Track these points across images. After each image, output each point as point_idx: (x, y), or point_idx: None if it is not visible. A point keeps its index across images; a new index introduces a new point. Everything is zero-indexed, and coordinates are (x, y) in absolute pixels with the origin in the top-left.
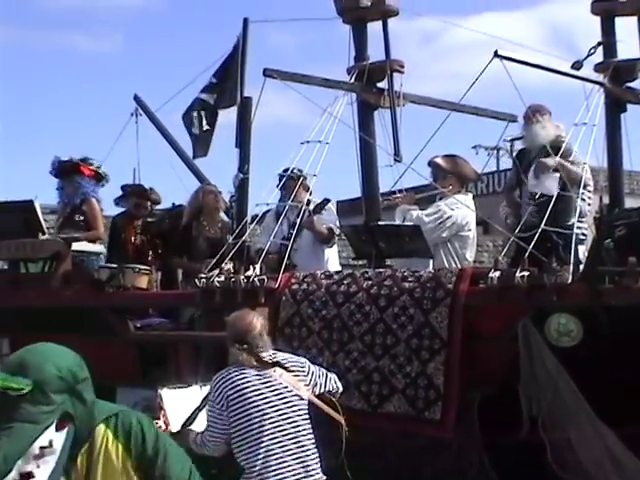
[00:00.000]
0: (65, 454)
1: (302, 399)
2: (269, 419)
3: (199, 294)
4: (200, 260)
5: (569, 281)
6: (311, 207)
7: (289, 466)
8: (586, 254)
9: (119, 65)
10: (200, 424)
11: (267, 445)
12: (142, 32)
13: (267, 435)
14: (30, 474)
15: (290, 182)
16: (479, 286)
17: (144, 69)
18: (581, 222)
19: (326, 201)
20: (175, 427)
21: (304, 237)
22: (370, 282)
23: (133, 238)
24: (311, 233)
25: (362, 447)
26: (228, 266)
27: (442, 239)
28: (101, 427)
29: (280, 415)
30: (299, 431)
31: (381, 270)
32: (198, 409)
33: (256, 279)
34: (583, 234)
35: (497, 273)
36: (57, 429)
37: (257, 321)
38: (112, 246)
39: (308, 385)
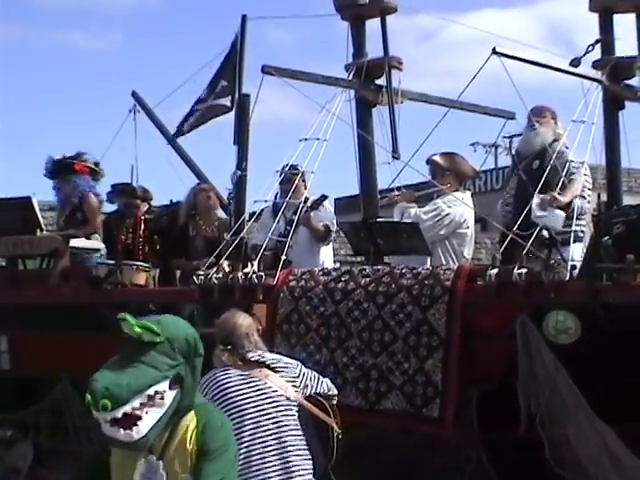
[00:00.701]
0: (168, 415)
1: (289, 399)
2: (250, 418)
3: (197, 291)
4: (198, 259)
5: (567, 278)
6: (308, 204)
7: (271, 464)
8: (584, 252)
9: (117, 62)
10: None
11: (248, 443)
12: (140, 29)
13: (248, 433)
14: (138, 417)
15: (289, 178)
16: (477, 283)
17: (142, 66)
18: (580, 220)
19: (323, 197)
20: None
21: (300, 234)
22: (368, 279)
23: (124, 237)
24: (307, 231)
25: (360, 444)
26: (226, 264)
27: (440, 236)
28: (192, 413)
29: (262, 415)
30: (283, 430)
31: (379, 267)
32: None
33: (254, 276)
34: (582, 232)
35: (495, 270)
36: (170, 386)
37: (243, 321)
38: (106, 244)
39: (298, 387)
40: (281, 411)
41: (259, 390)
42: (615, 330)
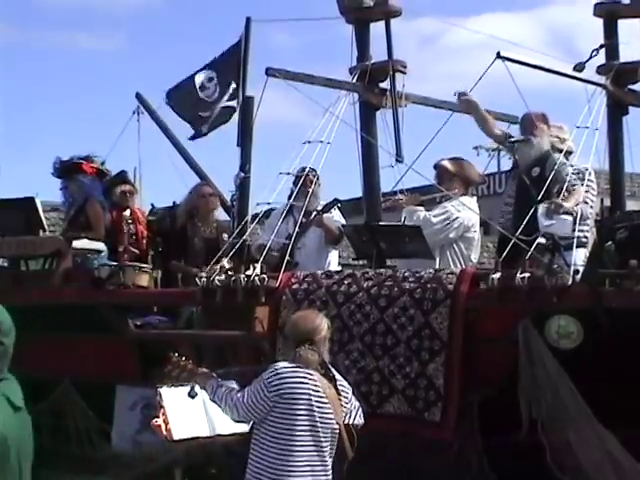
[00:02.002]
0: None
1: (336, 423)
2: (307, 432)
3: (199, 293)
4: (197, 260)
5: (570, 283)
6: (319, 207)
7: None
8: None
9: (121, 64)
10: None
11: (298, 454)
12: (144, 31)
13: (300, 446)
14: None
15: (307, 181)
16: (480, 287)
17: (146, 68)
18: (583, 225)
19: (336, 201)
20: (175, 426)
21: (309, 236)
22: (370, 282)
23: (126, 228)
24: (317, 233)
25: (361, 447)
26: (228, 265)
27: (449, 240)
28: None
29: (316, 431)
30: (324, 450)
31: (381, 270)
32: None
33: (256, 278)
34: (585, 237)
35: (498, 275)
36: None
37: (325, 325)
38: (107, 242)
39: (344, 412)
40: (329, 436)
41: (323, 407)
42: (617, 335)
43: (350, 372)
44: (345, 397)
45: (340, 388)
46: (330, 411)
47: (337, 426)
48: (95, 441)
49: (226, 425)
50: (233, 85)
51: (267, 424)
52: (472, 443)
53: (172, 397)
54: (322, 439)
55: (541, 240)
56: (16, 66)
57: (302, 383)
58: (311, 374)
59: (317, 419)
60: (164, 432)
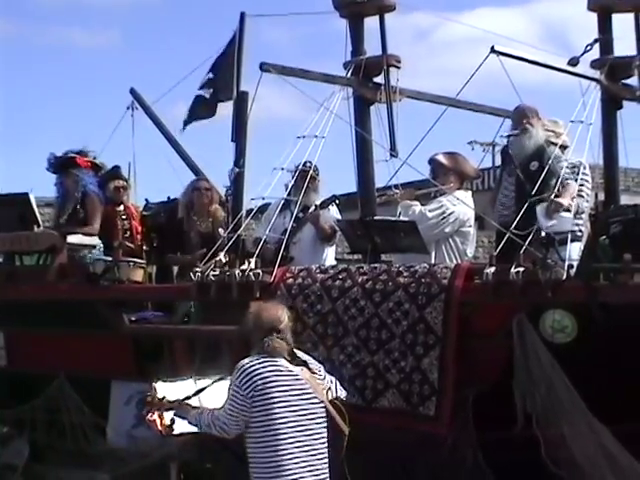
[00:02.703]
0: None
1: (320, 402)
2: (292, 417)
3: (194, 288)
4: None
5: (564, 278)
6: (316, 202)
7: (303, 465)
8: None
9: (116, 59)
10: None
11: (285, 444)
12: (139, 26)
13: (287, 434)
14: None
15: (304, 176)
16: (474, 282)
17: (140, 63)
18: (578, 219)
19: (334, 197)
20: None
21: (305, 231)
22: (365, 277)
23: (120, 224)
24: (313, 229)
25: (356, 442)
26: (223, 260)
27: (445, 234)
28: None
29: (301, 415)
30: (315, 438)
31: (376, 265)
32: (192, 396)
33: (251, 273)
34: (580, 231)
35: (492, 269)
36: None
37: (285, 314)
38: (102, 237)
39: (324, 389)
40: (315, 413)
41: (301, 390)
42: (612, 329)
43: (345, 366)
44: (319, 376)
45: (312, 367)
46: (309, 391)
47: (322, 404)
48: (90, 436)
49: None
50: (210, 75)
51: (252, 422)
52: (467, 437)
53: (167, 392)
54: (309, 420)
55: (542, 233)
56: (9, 61)
57: (272, 372)
58: (277, 361)
59: (297, 403)
60: (159, 427)
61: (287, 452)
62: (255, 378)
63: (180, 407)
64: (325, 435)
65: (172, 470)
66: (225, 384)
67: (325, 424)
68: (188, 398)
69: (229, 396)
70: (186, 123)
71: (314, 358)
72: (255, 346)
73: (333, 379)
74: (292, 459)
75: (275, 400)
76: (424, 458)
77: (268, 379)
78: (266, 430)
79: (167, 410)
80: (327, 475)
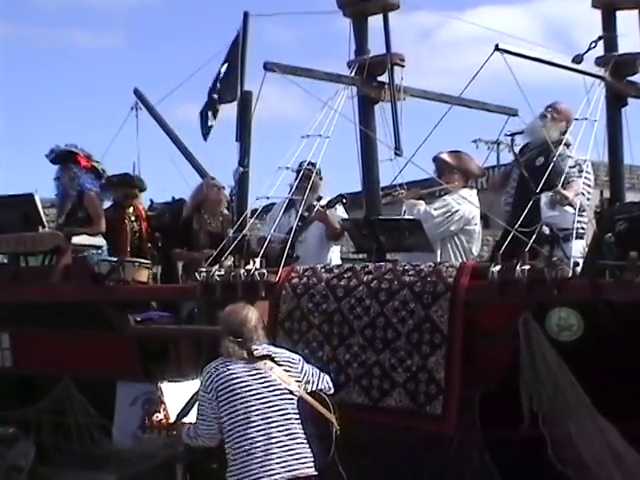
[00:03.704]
0: None
1: (292, 393)
2: (255, 410)
3: (199, 288)
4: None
5: (570, 275)
6: (323, 202)
7: (276, 456)
8: (586, 249)
9: (119, 60)
10: (193, 417)
11: (252, 436)
12: (142, 27)
13: (253, 427)
14: None
15: (308, 175)
16: (480, 280)
17: (144, 64)
18: (581, 216)
19: (341, 197)
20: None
21: (311, 230)
22: (370, 276)
23: (129, 227)
24: (319, 227)
25: (362, 441)
26: (228, 262)
27: (450, 233)
28: None
29: (268, 407)
30: (290, 422)
31: (381, 264)
32: (190, 402)
33: (256, 273)
34: (582, 228)
35: (497, 267)
36: None
37: (252, 314)
38: (108, 239)
39: (300, 382)
40: (286, 403)
41: (265, 382)
42: (618, 327)
43: (351, 366)
44: (294, 368)
45: (279, 360)
46: (274, 384)
47: (291, 395)
48: (96, 437)
49: None
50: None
51: (222, 422)
52: (473, 436)
53: (172, 392)
54: (272, 413)
55: (545, 229)
56: (13, 63)
57: (232, 370)
58: (237, 362)
59: (256, 398)
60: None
61: (251, 446)
62: (216, 378)
63: (176, 428)
64: (292, 424)
65: (178, 470)
66: None
67: (297, 413)
68: (189, 406)
69: (198, 403)
70: (206, 134)
71: (319, 358)
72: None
73: (316, 372)
74: (263, 450)
75: (236, 398)
76: (430, 457)
77: (227, 378)
78: (233, 427)
79: (167, 431)
80: (311, 459)
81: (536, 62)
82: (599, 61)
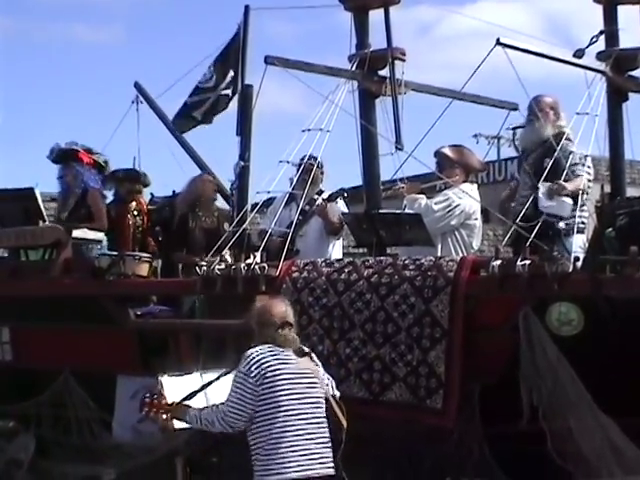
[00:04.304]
0: None
1: (323, 391)
2: (297, 403)
3: (200, 282)
4: (198, 250)
5: (570, 270)
6: (324, 196)
7: (313, 452)
8: (586, 243)
9: (120, 54)
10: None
11: (290, 435)
12: (143, 21)
13: (292, 423)
14: None
15: (309, 169)
16: (480, 275)
17: (145, 57)
18: (581, 211)
19: (342, 191)
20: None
21: (312, 224)
22: (371, 270)
23: (132, 222)
24: (320, 221)
25: (363, 435)
26: (228, 256)
27: (451, 227)
28: None
29: (308, 403)
30: (324, 421)
31: (382, 258)
32: (198, 391)
33: (256, 267)
34: (583, 223)
35: (498, 262)
36: None
37: (291, 310)
38: (109, 234)
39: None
40: (321, 401)
41: (307, 378)
42: (618, 322)
43: (351, 360)
44: (320, 369)
45: (314, 360)
46: (314, 382)
47: (323, 395)
48: (96, 431)
49: None
50: (231, 73)
51: (258, 412)
52: (473, 430)
53: (173, 386)
54: (313, 409)
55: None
56: (12, 57)
57: (278, 361)
58: (284, 351)
59: (302, 391)
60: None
61: (291, 443)
62: (264, 366)
63: (177, 409)
64: (325, 423)
65: (178, 464)
66: (230, 378)
67: (325, 417)
68: (194, 394)
69: (235, 386)
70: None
71: (319, 353)
72: (261, 339)
73: (330, 378)
74: (296, 449)
75: (281, 389)
76: (430, 451)
77: (275, 367)
78: (272, 420)
79: (166, 412)
80: (331, 461)
81: (537, 57)
82: (600, 56)
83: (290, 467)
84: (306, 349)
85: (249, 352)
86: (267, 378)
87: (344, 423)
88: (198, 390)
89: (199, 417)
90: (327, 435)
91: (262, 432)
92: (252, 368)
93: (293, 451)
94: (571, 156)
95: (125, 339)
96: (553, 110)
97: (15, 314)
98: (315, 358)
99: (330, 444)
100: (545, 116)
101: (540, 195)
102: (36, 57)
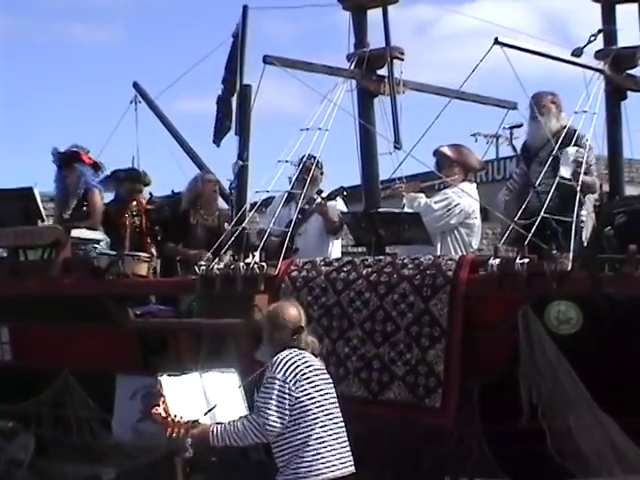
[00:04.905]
0: None
1: (335, 390)
2: (325, 404)
3: (199, 281)
4: (197, 247)
5: (569, 269)
6: (324, 195)
7: (335, 452)
8: (585, 241)
9: (119, 54)
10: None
11: (320, 434)
12: (142, 21)
13: (323, 424)
14: None
15: (308, 168)
16: (479, 273)
17: (144, 57)
18: (580, 209)
19: (342, 189)
20: (175, 413)
21: (312, 223)
22: (370, 269)
23: (129, 222)
24: (319, 220)
25: (362, 434)
26: (227, 256)
27: (450, 226)
28: None
29: (331, 403)
30: (342, 422)
31: (381, 257)
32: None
33: (255, 266)
34: (582, 221)
35: (497, 260)
36: None
37: (302, 314)
38: (108, 234)
39: None
40: (338, 405)
41: (326, 379)
42: (617, 320)
43: (350, 359)
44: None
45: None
46: (330, 384)
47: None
48: (96, 431)
49: (226, 413)
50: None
51: (290, 417)
52: (473, 429)
53: (172, 385)
54: (335, 408)
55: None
56: (12, 57)
57: (307, 365)
58: (306, 355)
59: (325, 389)
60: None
61: (323, 443)
62: (297, 370)
63: (199, 432)
64: (343, 422)
65: (178, 464)
66: (230, 379)
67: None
68: (210, 411)
69: (273, 394)
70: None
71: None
72: (273, 342)
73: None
74: (329, 450)
75: (310, 392)
76: (430, 450)
77: (304, 371)
78: (304, 422)
79: (184, 432)
80: (351, 459)
81: (535, 55)
82: (599, 54)
83: (327, 467)
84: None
85: (280, 358)
86: (300, 382)
87: None
88: (206, 413)
89: (224, 435)
90: (346, 433)
91: (295, 435)
92: (287, 373)
93: (326, 451)
94: (590, 152)
95: (125, 338)
96: (554, 104)
97: (14, 314)
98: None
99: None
100: (548, 111)
101: (564, 154)
102: (36, 57)
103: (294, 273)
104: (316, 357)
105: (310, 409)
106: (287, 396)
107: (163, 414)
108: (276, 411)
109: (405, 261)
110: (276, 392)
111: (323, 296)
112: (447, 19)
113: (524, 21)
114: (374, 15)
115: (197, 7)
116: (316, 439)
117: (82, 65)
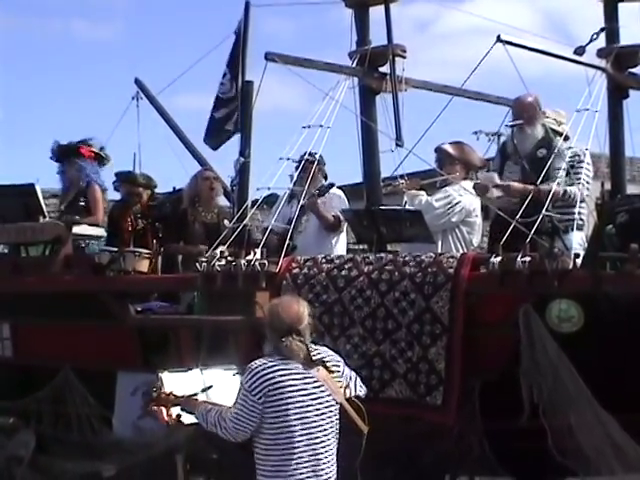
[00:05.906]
0: None
1: (336, 403)
2: (306, 422)
3: (200, 278)
4: (196, 244)
5: (570, 267)
6: (315, 191)
7: (310, 471)
8: (585, 240)
9: (120, 50)
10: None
11: (300, 450)
12: (142, 17)
13: (299, 440)
14: None
15: (308, 166)
16: (480, 271)
17: (145, 54)
18: (580, 207)
19: (330, 185)
20: (176, 411)
21: (311, 221)
22: (371, 267)
23: (130, 226)
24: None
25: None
26: (227, 252)
27: (451, 224)
28: None
29: (313, 420)
30: (333, 438)
31: (382, 255)
32: (203, 390)
33: (257, 263)
34: (581, 219)
35: (498, 258)
36: None
37: (305, 310)
38: (110, 235)
39: (342, 387)
40: (332, 415)
41: (317, 392)
42: (618, 318)
43: (351, 357)
44: (337, 372)
45: (330, 366)
46: (325, 394)
47: (337, 405)
48: (96, 427)
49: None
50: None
51: (264, 426)
52: (473, 427)
53: (173, 382)
54: (321, 425)
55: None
56: (13, 53)
57: (284, 375)
58: (290, 364)
59: (310, 405)
60: (165, 417)
61: (298, 457)
62: (265, 383)
63: (187, 402)
64: (333, 441)
65: (178, 461)
66: (231, 377)
67: (336, 429)
68: (195, 395)
69: (238, 400)
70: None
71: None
72: (270, 344)
73: (353, 375)
74: (302, 465)
75: (289, 404)
76: (431, 448)
77: (280, 383)
78: (279, 435)
79: (174, 405)
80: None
81: (537, 53)
82: (601, 53)
83: None
84: (321, 354)
85: (252, 365)
86: (271, 395)
87: (363, 429)
88: (199, 392)
89: (206, 418)
90: (333, 451)
91: (268, 448)
92: (253, 385)
93: (299, 471)
94: (568, 153)
95: (125, 335)
96: (536, 108)
97: (15, 310)
98: (333, 360)
99: (333, 462)
100: (532, 118)
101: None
102: (35, 53)
103: (295, 270)
104: (314, 365)
105: (285, 425)
106: (250, 407)
107: (163, 411)
108: (236, 418)
109: (406, 259)
110: (240, 401)
111: (324, 293)
112: (448, 17)
113: (525, 19)
114: (376, 12)
115: (198, 3)
116: (291, 457)
117: (82, 61)
